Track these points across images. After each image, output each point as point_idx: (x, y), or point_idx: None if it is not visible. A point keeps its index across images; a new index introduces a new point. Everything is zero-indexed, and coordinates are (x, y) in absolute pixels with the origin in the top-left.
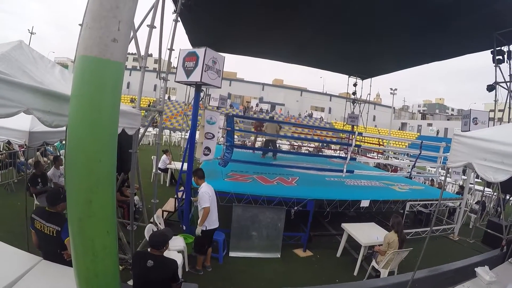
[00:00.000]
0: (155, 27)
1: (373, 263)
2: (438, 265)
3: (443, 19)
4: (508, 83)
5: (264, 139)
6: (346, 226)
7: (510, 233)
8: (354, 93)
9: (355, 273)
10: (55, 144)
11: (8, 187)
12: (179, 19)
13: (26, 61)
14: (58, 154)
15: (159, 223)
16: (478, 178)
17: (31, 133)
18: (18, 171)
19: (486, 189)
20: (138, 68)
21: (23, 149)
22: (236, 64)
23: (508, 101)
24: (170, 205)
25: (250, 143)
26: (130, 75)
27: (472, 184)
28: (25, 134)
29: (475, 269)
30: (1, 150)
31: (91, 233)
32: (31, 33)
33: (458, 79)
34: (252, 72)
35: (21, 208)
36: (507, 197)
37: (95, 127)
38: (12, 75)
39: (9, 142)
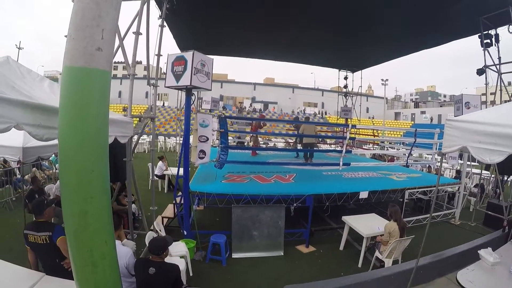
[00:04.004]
0: (141, 34)
1: (377, 253)
2: (441, 251)
3: (429, 9)
4: (497, 66)
5: (303, 142)
6: (346, 218)
7: (511, 213)
8: (345, 86)
9: (360, 265)
10: (50, 159)
11: (6, 205)
12: (165, 24)
13: (14, 77)
14: (55, 168)
15: (160, 230)
16: (475, 162)
17: (24, 149)
18: (15, 188)
19: (484, 171)
20: (128, 76)
21: (19, 165)
22: (226, 65)
23: (499, 83)
24: (169, 211)
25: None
26: (121, 84)
27: (469, 168)
28: (19, 150)
29: (479, 251)
30: None
31: (89, 244)
32: (19, 48)
33: (448, 65)
34: (243, 73)
35: (20, 226)
36: (505, 178)
37: (85, 137)
38: (1, 92)
39: (5, 161)
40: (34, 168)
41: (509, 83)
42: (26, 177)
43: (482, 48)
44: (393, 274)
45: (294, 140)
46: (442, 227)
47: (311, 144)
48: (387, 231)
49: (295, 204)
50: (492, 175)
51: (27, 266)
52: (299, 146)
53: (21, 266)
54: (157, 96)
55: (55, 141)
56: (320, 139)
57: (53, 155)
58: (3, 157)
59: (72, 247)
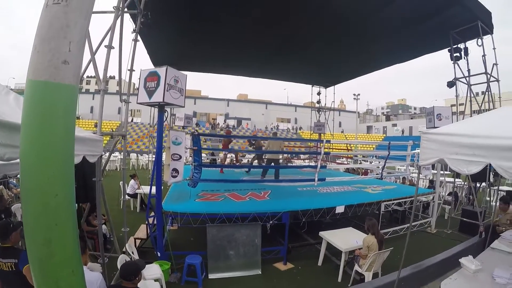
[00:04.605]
0: (113, 48)
1: (356, 267)
2: (421, 260)
3: (400, 26)
4: (467, 78)
5: (266, 158)
6: (324, 234)
7: (485, 219)
8: (318, 102)
9: (339, 279)
10: (18, 176)
11: None
12: (139, 38)
13: None
14: None
15: (132, 252)
16: (447, 170)
17: None
18: None
19: (457, 179)
20: (100, 91)
21: None
22: (200, 81)
23: (469, 94)
24: (142, 232)
25: (220, 160)
26: (93, 99)
27: (442, 177)
28: None
29: (460, 260)
30: None
31: (55, 275)
32: None
33: (419, 79)
34: (216, 89)
35: None
36: (477, 185)
37: (48, 157)
38: None
39: None
40: (1, 186)
41: (477, 94)
42: None
43: (452, 62)
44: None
45: (253, 156)
46: (419, 236)
47: (275, 160)
48: (366, 245)
49: (271, 222)
50: (465, 183)
51: None
52: (255, 163)
53: None
54: (130, 112)
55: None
56: (294, 155)
57: None
58: None
59: (36, 278)
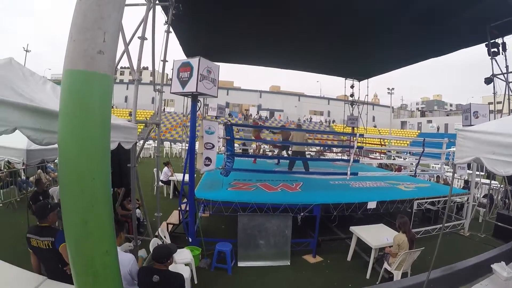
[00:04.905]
0: (146, 39)
1: (385, 265)
2: (452, 263)
3: (437, 18)
4: (505, 75)
5: (292, 150)
6: (354, 229)
7: None
8: (352, 95)
9: (368, 276)
10: (55, 161)
11: (10, 206)
12: (171, 30)
13: (16, 79)
14: None
15: (164, 237)
16: (482, 172)
17: (28, 151)
18: (20, 189)
19: (493, 181)
20: (133, 81)
21: (24, 167)
22: (232, 73)
23: (506, 92)
24: (174, 217)
25: (253, 151)
26: (127, 88)
27: (477, 178)
28: (23, 152)
29: (492, 266)
30: (1, 169)
31: (90, 254)
32: (26, 51)
33: (455, 74)
34: (249, 80)
35: (24, 227)
36: None
37: (86, 143)
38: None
39: (9, 161)
40: (39, 170)
41: None
42: (31, 178)
43: (489, 57)
44: (404, 287)
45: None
46: (452, 238)
47: (301, 152)
48: (396, 243)
49: (302, 214)
50: (501, 185)
51: (29, 268)
52: (283, 153)
53: (23, 269)
54: (164, 102)
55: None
56: (327, 148)
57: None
58: (7, 159)
59: (73, 256)
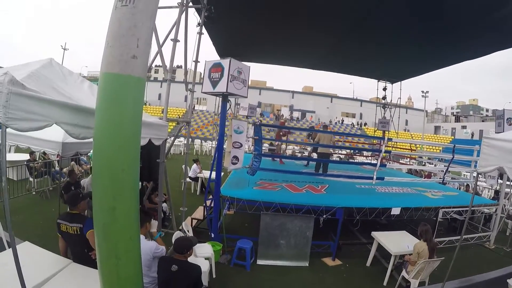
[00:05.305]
0: (179, 41)
1: (403, 273)
2: (471, 275)
3: (474, 15)
4: None
5: (318, 152)
6: (376, 234)
7: None
8: (384, 98)
9: (385, 283)
10: (88, 154)
11: (43, 195)
12: (203, 31)
13: (56, 78)
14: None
15: (188, 231)
16: None
17: (64, 143)
18: (53, 179)
19: None
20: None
21: (58, 158)
22: (265, 73)
23: None
24: (199, 213)
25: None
26: (161, 86)
27: (508, 188)
28: (59, 145)
29: (508, 280)
30: (37, 159)
31: (115, 238)
32: (64, 49)
33: (493, 78)
34: (281, 80)
35: (55, 214)
36: None
37: (118, 139)
38: (42, 92)
39: (44, 152)
40: (73, 162)
41: None
42: (64, 170)
43: None
44: None
45: (310, 149)
46: (475, 250)
47: (326, 154)
48: (416, 251)
49: (324, 216)
50: None
51: (57, 252)
52: (314, 156)
53: (51, 252)
54: (196, 101)
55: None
56: (357, 151)
57: (92, 151)
58: (43, 150)
59: (99, 240)
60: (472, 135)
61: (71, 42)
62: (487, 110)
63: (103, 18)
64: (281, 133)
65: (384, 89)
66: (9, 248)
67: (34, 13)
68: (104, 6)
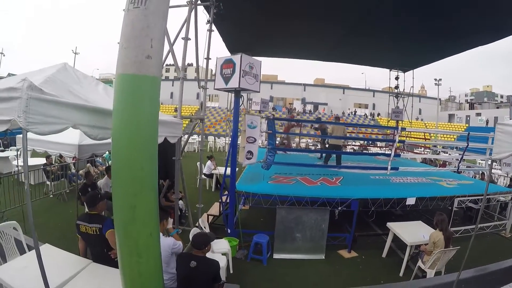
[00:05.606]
0: (190, 39)
1: (419, 263)
2: (487, 264)
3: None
4: None
5: (329, 144)
6: (391, 225)
7: None
8: (397, 87)
9: (401, 274)
10: (103, 155)
11: (60, 197)
12: (213, 28)
13: (71, 81)
14: (108, 165)
15: (204, 227)
16: None
17: (80, 146)
18: (70, 182)
19: None
20: (179, 78)
21: (74, 161)
22: (276, 67)
23: None
24: (215, 209)
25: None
26: (172, 85)
27: None
28: (75, 147)
29: None
30: (53, 162)
31: (136, 236)
32: (75, 53)
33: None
34: (292, 74)
35: (72, 216)
36: None
37: (136, 138)
38: (60, 96)
39: (60, 156)
40: (89, 164)
41: None
42: (81, 172)
43: None
44: (433, 286)
45: (321, 141)
46: (491, 239)
47: (338, 146)
48: (432, 241)
49: (339, 208)
50: None
51: (76, 253)
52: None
53: (71, 253)
54: (208, 97)
55: (109, 140)
56: (370, 142)
57: (107, 152)
58: (59, 153)
59: (120, 238)
60: (487, 122)
61: (71, 42)
62: (501, 97)
63: (103, 18)
64: (292, 126)
65: (397, 78)
66: (29, 251)
67: (34, 13)
68: (104, 6)
